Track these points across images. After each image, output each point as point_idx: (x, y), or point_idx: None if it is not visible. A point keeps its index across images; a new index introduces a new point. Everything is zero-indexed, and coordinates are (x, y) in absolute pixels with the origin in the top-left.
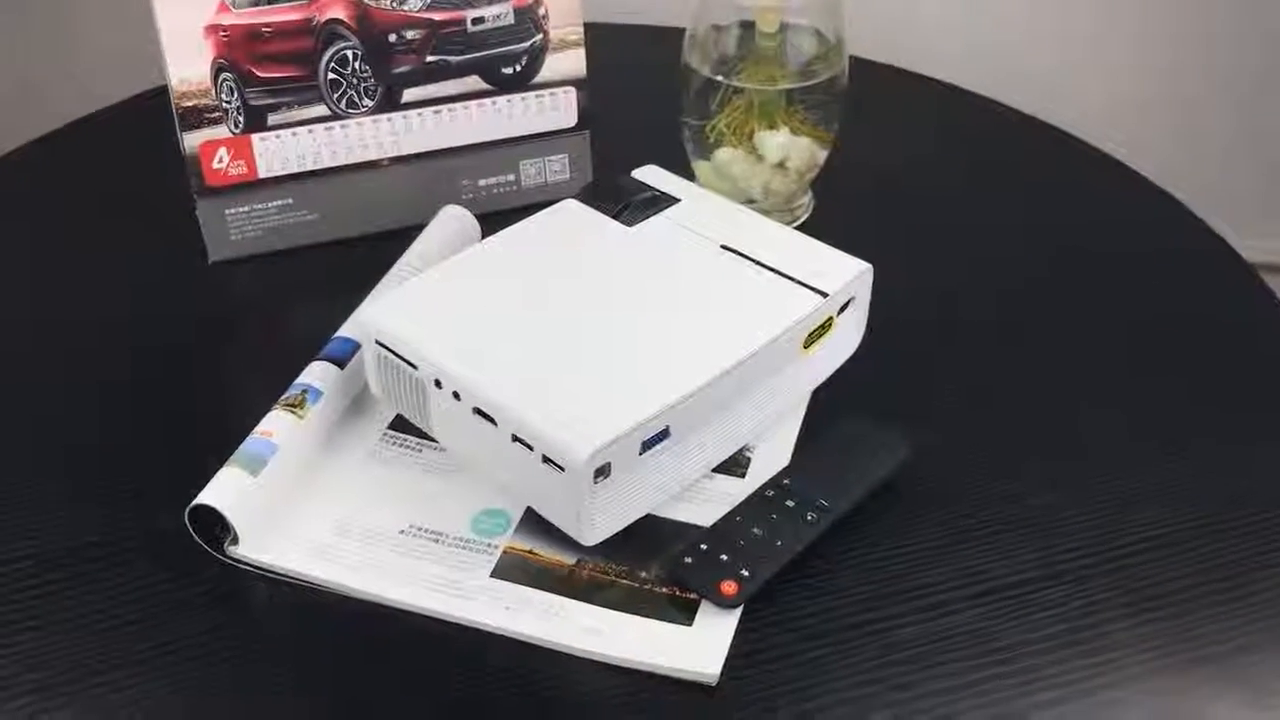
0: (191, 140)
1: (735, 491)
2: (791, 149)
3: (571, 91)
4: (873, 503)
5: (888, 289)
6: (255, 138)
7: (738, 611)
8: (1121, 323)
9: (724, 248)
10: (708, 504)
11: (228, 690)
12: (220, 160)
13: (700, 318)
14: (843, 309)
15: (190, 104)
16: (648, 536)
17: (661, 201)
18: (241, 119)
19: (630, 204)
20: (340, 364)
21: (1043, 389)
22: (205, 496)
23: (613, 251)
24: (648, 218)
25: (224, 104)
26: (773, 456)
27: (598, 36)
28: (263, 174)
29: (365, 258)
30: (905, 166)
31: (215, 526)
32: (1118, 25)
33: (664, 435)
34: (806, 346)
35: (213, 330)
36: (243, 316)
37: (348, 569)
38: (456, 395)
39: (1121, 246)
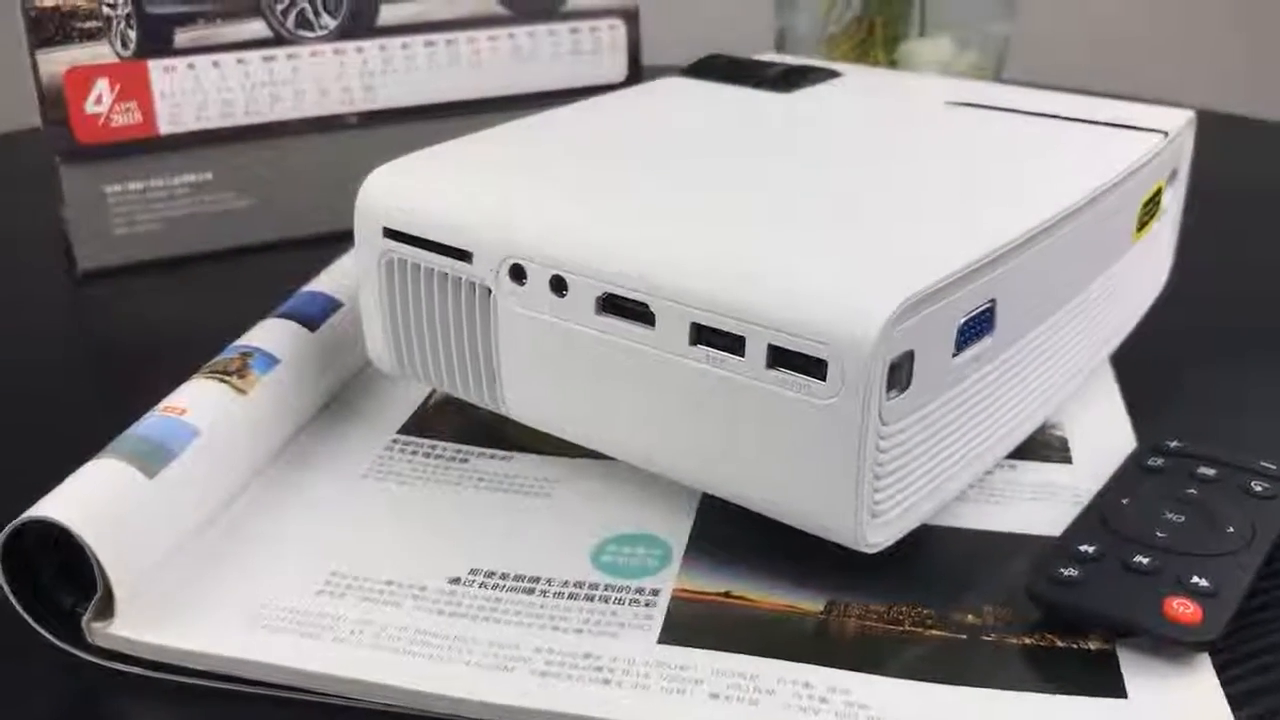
0: (51, 64)
1: (1066, 483)
2: (955, 63)
3: (619, 26)
4: None
5: None
6: (155, 66)
7: (1206, 659)
8: None
9: (954, 104)
10: (1032, 502)
11: None
12: (99, 101)
13: (979, 172)
14: (1170, 179)
15: (51, 4)
16: (941, 556)
17: (816, 73)
18: (134, 34)
19: (767, 78)
20: (310, 325)
21: None
22: (45, 507)
23: (777, 113)
24: (807, 86)
25: (106, 7)
26: (1100, 434)
27: None
28: (165, 128)
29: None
30: None
31: (67, 586)
32: None
33: (987, 322)
34: (1140, 228)
35: (80, 397)
36: (130, 373)
37: (352, 648)
38: (560, 284)
39: None
